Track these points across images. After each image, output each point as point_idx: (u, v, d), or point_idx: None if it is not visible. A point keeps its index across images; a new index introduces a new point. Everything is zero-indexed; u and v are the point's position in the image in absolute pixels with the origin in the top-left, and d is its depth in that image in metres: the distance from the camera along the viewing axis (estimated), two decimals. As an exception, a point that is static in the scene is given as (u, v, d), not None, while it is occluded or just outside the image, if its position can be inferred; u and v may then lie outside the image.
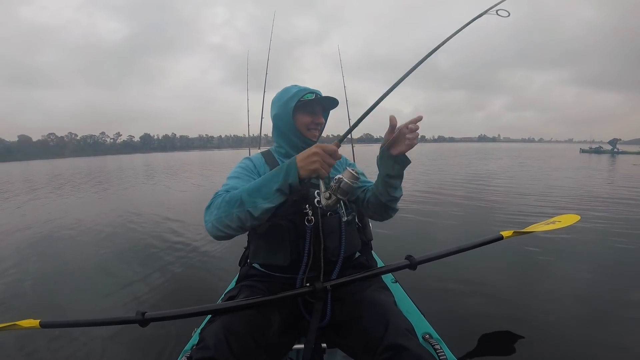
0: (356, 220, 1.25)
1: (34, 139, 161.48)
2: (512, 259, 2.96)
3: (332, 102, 1.23)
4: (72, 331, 1.97)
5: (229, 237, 0.96)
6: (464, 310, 2.11)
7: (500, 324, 1.94)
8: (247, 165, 1.16)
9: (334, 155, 0.86)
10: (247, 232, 1.15)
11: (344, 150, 1.22)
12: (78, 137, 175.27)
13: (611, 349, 1.71)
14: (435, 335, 1.13)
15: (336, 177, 0.89)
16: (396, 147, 0.96)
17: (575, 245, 3.28)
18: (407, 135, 0.92)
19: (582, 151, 33.01)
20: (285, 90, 1.19)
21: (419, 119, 0.93)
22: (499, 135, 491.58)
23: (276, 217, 1.01)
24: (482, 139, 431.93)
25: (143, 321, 0.91)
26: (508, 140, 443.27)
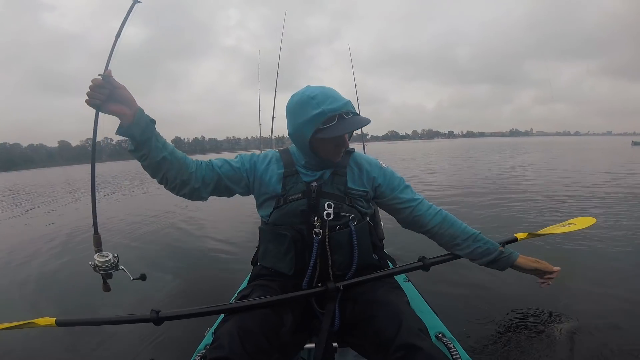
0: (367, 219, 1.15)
1: (73, 144, 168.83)
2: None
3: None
4: (87, 330, 1.97)
5: (154, 174, 0.97)
6: (478, 310, 2.09)
7: (514, 324, 1.93)
8: (238, 159, 1.10)
9: (93, 86, 0.83)
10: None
11: (356, 148, 1.22)
12: (114, 142, 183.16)
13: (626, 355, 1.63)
14: (448, 334, 1.12)
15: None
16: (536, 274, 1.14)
17: (592, 247, 3.10)
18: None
19: (635, 144, 30.40)
20: (300, 103, 0.97)
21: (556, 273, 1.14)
22: (531, 129, 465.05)
23: (282, 226, 1.02)
24: (514, 133, 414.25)
25: (157, 320, 0.92)
26: (542, 134, 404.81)
